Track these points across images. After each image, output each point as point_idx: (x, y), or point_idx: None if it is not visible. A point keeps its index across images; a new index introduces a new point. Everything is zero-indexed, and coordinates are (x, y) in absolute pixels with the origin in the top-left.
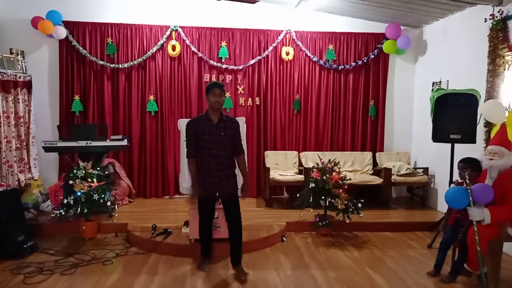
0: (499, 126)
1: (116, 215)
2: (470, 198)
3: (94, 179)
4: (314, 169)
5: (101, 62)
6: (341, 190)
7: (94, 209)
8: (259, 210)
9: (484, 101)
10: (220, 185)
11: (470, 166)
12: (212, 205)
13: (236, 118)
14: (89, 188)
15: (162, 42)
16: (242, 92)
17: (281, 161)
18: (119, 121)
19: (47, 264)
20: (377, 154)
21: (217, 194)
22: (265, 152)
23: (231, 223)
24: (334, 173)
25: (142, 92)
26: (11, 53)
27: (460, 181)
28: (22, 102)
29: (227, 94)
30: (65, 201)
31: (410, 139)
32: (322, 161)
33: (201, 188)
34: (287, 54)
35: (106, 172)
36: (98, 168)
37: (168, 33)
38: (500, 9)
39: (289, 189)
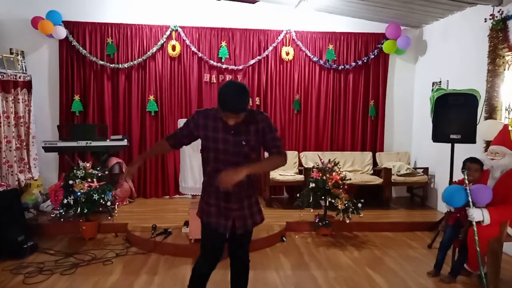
0: (502, 127)
1: (116, 215)
2: (470, 198)
3: (94, 179)
4: (314, 169)
5: (101, 62)
6: (341, 190)
7: (94, 209)
8: None
9: (484, 101)
10: (241, 213)
11: (481, 166)
12: (222, 241)
13: None
14: (89, 188)
15: (162, 42)
16: None
17: None
18: (119, 121)
19: (47, 264)
20: (377, 154)
21: (231, 224)
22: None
23: (237, 264)
24: (334, 173)
25: (142, 92)
26: (11, 53)
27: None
28: (22, 102)
29: None
30: (65, 201)
31: (410, 139)
32: (322, 161)
33: (205, 214)
34: (287, 54)
35: (111, 172)
36: (99, 168)
37: (168, 33)
38: (500, 9)
39: (289, 189)
